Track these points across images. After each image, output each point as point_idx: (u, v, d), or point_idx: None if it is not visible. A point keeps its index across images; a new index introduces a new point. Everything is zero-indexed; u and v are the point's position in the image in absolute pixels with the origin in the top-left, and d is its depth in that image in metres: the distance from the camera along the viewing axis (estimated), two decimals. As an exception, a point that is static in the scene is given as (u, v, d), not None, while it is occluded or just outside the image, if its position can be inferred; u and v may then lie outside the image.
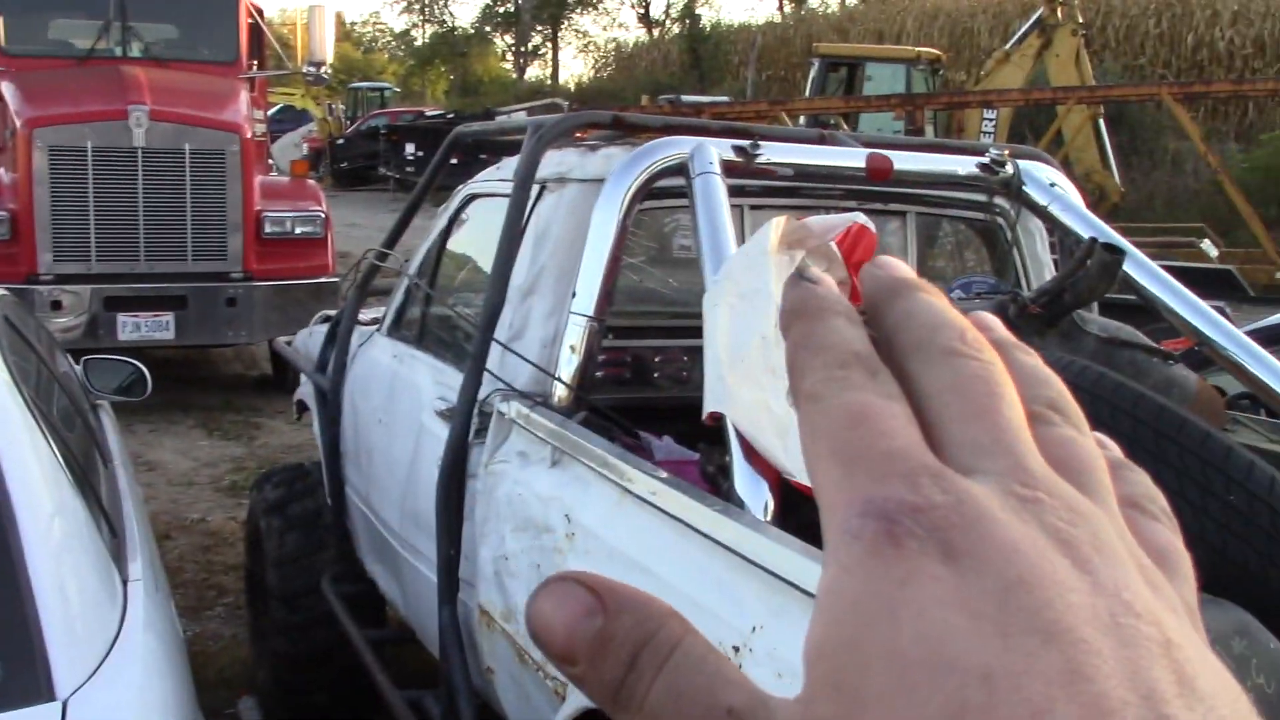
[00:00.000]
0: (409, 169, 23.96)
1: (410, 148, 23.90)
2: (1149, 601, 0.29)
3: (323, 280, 8.36)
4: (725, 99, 20.43)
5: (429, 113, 29.12)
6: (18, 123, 7.69)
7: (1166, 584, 0.31)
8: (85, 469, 2.84)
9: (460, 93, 44.94)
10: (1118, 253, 2.40)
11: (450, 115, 26.87)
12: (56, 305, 7.41)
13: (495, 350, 2.69)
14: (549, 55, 48.74)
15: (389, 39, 57.13)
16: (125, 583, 2.45)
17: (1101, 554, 0.29)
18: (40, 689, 1.97)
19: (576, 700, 2.18)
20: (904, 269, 0.36)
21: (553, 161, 2.85)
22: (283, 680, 3.96)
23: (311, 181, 9.02)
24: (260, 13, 9.77)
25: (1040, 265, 3.19)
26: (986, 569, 0.28)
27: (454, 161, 3.64)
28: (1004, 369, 0.33)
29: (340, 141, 27.92)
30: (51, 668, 2.01)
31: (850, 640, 0.28)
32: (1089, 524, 0.30)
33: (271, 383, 8.95)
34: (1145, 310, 2.78)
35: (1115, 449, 0.35)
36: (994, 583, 0.28)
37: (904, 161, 2.84)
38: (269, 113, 11.28)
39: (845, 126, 13.85)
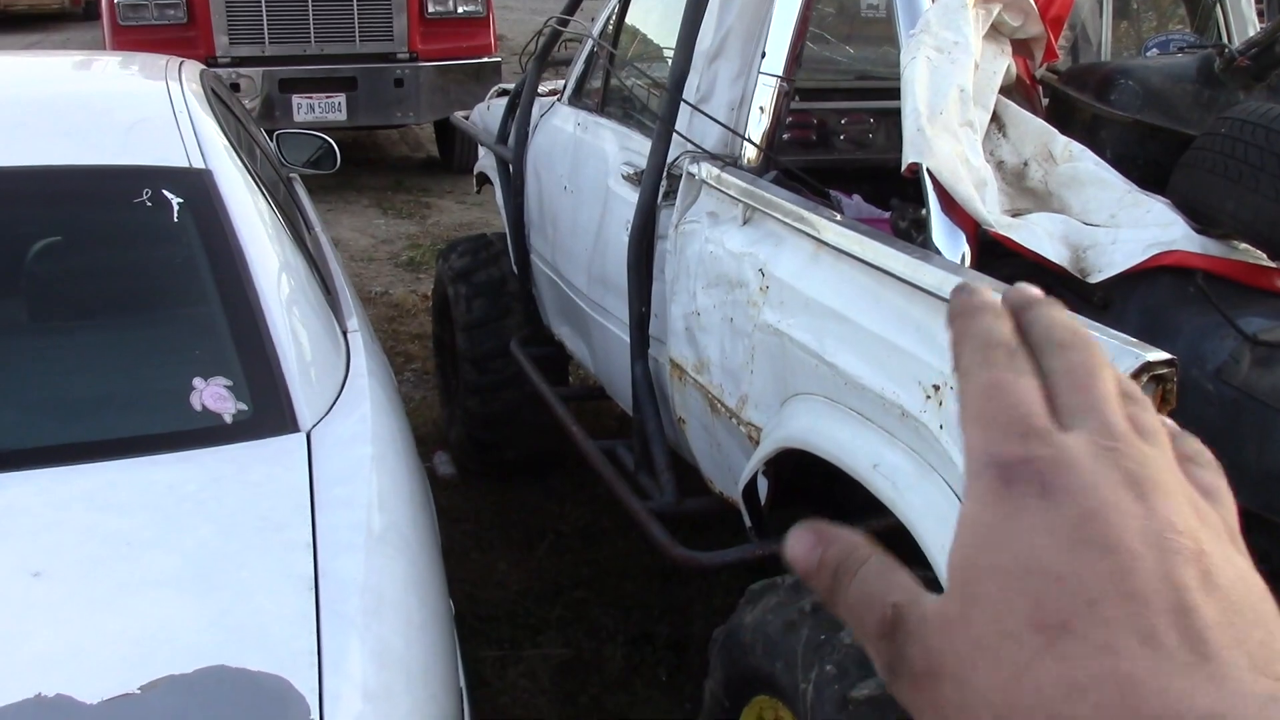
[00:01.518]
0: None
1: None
2: (1191, 523, 0.38)
3: (485, 60, 8.40)
4: None
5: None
6: (187, -96, 7.79)
7: (1212, 512, 0.40)
8: (296, 230, 3.02)
9: None
10: (1336, 0, 2.30)
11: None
12: (235, 87, 7.64)
13: (683, 113, 2.73)
14: None
15: None
16: (345, 334, 2.64)
17: (1158, 489, 0.38)
18: (286, 422, 2.18)
19: (769, 446, 2.31)
20: (1034, 291, 0.45)
21: (738, -80, 2.81)
22: (475, 437, 4.22)
23: (472, -40, 8.96)
24: None
25: (1244, 22, 3.06)
26: (1070, 502, 0.37)
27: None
28: (1104, 358, 0.43)
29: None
30: (295, 403, 2.21)
31: (972, 556, 0.39)
32: (1152, 467, 0.39)
33: (438, 163, 9.15)
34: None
35: (1175, 427, 0.44)
36: (1074, 512, 0.37)
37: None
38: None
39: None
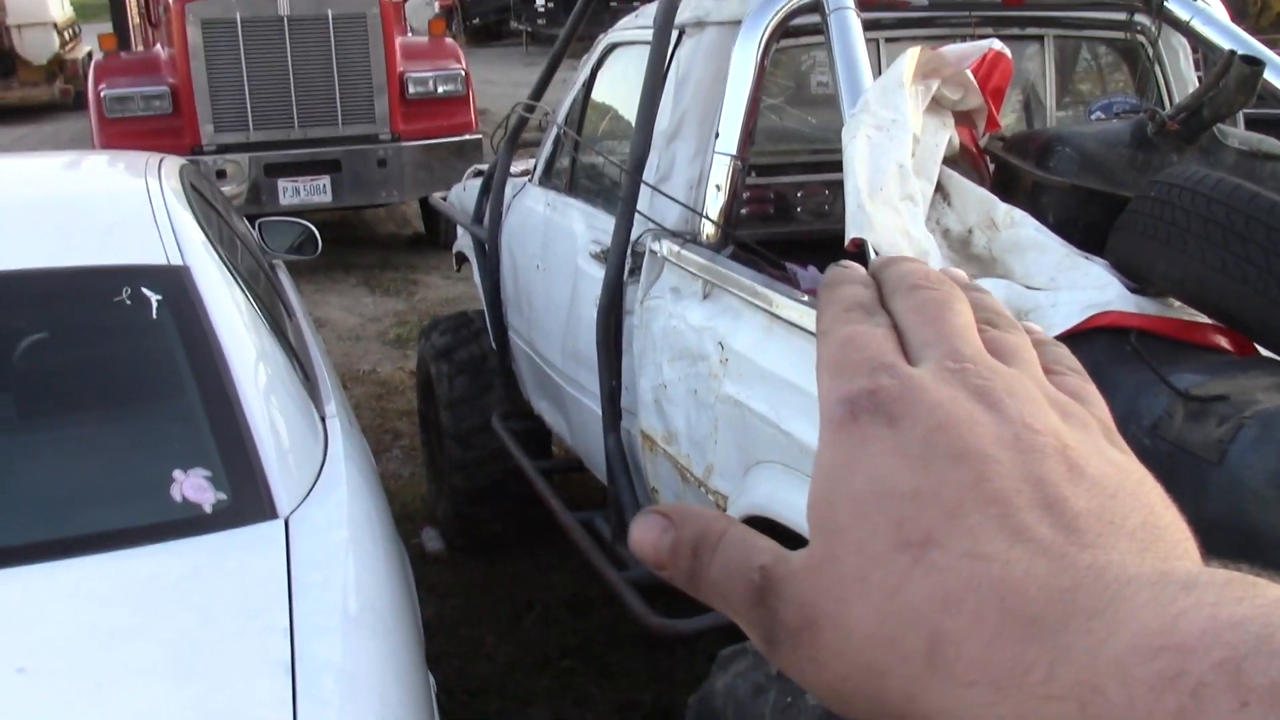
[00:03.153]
0: (540, 22, 23.86)
1: (541, 0, 23.75)
2: (1051, 422, 0.38)
3: (466, 138, 8.56)
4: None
5: (557, -38, 28.74)
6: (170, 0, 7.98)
7: (1080, 410, 0.40)
8: (276, 319, 3.10)
9: (586, -62, 44.00)
10: (1257, 64, 2.40)
11: (578, -37, 26.51)
12: (221, 174, 7.78)
13: (644, 193, 2.83)
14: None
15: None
16: (323, 419, 2.71)
17: (1011, 395, 0.38)
18: (264, 510, 2.24)
19: (734, 514, 2.38)
20: (899, 255, 0.47)
21: (690, 6, 2.93)
22: (461, 512, 4.28)
23: (450, 40, 9.15)
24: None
25: (1184, 82, 3.16)
26: (915, 423, 0.37)
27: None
28: (958, 295, 0.43)
29: (471, -2, 27.88)
30: (273, 491, 2.27)
31: (827, 493, 0.38)
32: (1003, 378, 0.39)
33: (425, 240, 9.28)
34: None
35: (1040, 333, 0.45)
36: (920, 430, 0.37)
37: (1040, -16, 2.85)
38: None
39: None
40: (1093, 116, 3.13)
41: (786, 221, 3.12)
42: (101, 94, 7.92)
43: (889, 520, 0.36)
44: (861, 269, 0.45)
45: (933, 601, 0.34)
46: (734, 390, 2.37)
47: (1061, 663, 0.31)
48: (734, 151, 2.69)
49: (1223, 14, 2.93)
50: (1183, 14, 2.89)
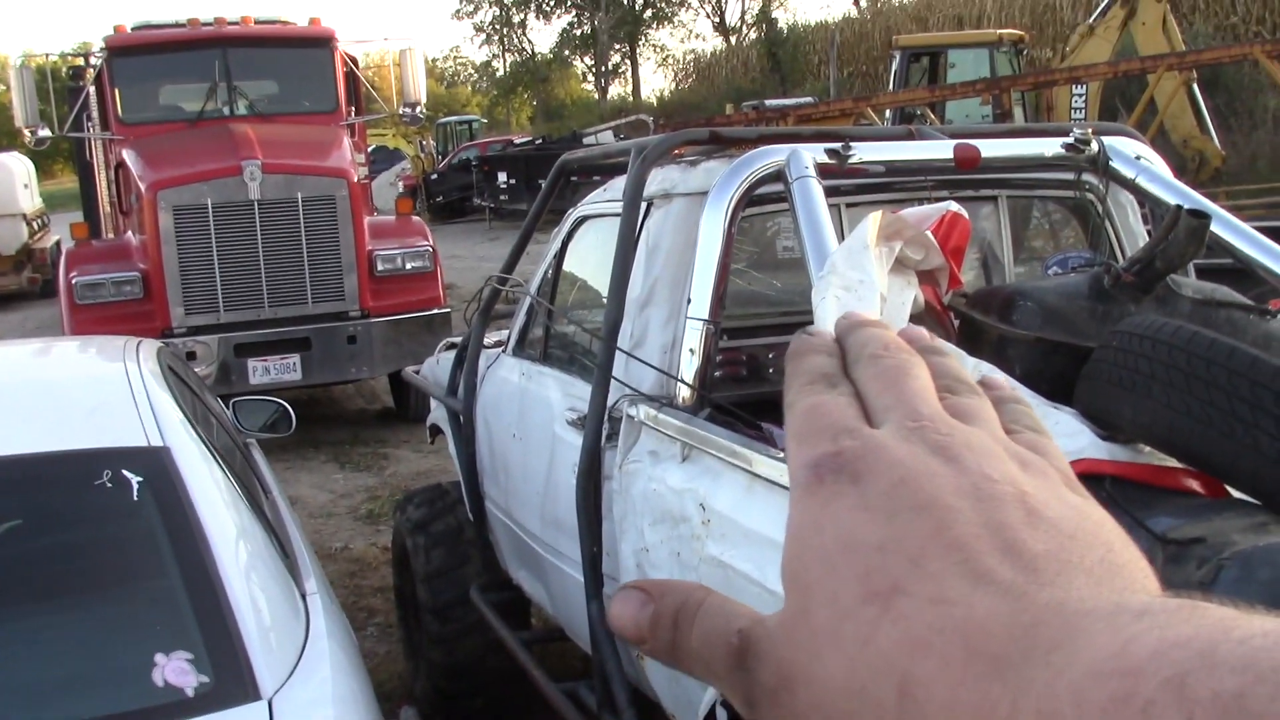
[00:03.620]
0: (503, 197, 24.43)
1: (503, 176, 24.36)
2: (1009, 471, 0.39)
3: (435, 312, 8.68)
4: (810, 100, 20.47)
5: (517, 140, 29.61)
6: (142, 187, 8.14)
7: (1038, 460, 0.41)
8: (253, 497, 3.10)
9: (544, 118, 45.52)
10: (1204, 217, 2.51)
11: (539, 141, 27.33)
12: (191, 355, 7.82)
13: (619, 359, 2.89)
14: (629, 73, 49.13)
15: (470, 72, 58.14)
16: (304, 597, 2.69)
17: (970, 449, 0.39)
18: (248, 691, 2.21)
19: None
20: (862, 317, 0.48)
21: (657, 179, 3.04)
22: (440, 688, 4.20)
23: (417, 218, 9.36)
24: (355, 62, 10.18)
25: (1134, 236, 3.29)
26: (879, 479, 0.38)
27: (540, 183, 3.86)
28: (916, 362, 0.44)
29: (434, 176, 28.58)
30: (255, 672, 2.24)
31: (797, 552, 0.39)
32: (961, 433, 0.40)
33: (394, 414, 9.30)
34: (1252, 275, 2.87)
35: (1003, 388, 0.47)
36: (884, 485, 0.38)
37: (991, 149, 2.98)
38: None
39: (932, 116, 13.85)
40: (1049, 271, 3.24)
41: (759, 382, 3.18)
42: (73, 281, 8.00)
43: (856, 573, 0.37)
44: (827, 335, 0.47)
45: (901, 648, 0.35)
46: (717, 551, 2.38)
47: (1023, 696, 0.32)
48: (706, 316, 2.76)
49: (1166, 171, 3.07)
50: (1128, 172, 3.03)
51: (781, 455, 2.27)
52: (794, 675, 0.37)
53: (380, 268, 8.47)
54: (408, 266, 8.59)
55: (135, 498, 2.54)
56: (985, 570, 0.35)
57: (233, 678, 2.23)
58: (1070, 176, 3.24)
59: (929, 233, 2.70)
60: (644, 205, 3.02)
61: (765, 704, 0.38)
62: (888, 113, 14.83)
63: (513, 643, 3.54)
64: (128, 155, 8.68)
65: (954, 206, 2.76)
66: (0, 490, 2.57)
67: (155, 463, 2.61)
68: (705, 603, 0.41)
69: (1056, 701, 0.32)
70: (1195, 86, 14.19)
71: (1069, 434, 2.20)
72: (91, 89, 9.71)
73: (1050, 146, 3.10)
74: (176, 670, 2.23)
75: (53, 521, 2.64)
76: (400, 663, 4.77)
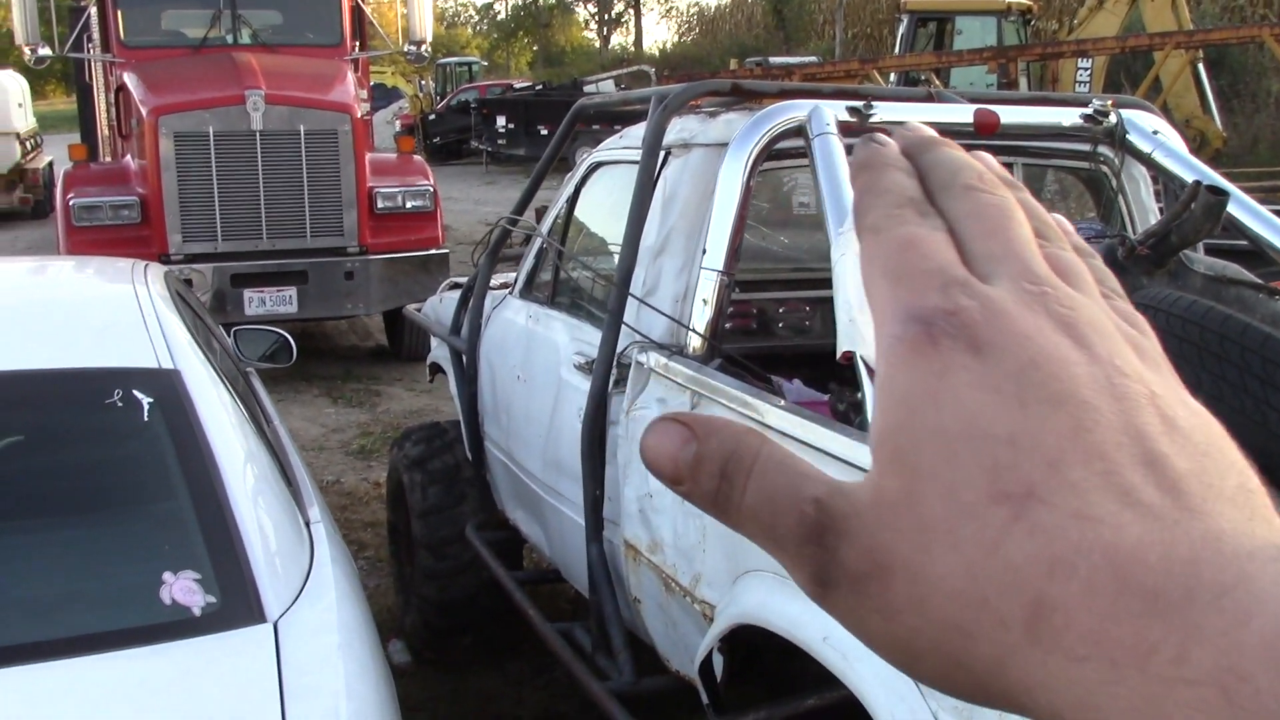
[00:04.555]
0: (500, 142, 24.31)
1: (501, 120, 24.22)
2: (1135, 364, 0.35)
3: (433, 252, 8.66)
4: (814, 59, 20.35)
5: (517, 85, 29.42)
6: (143, 111, 8.07)
7: (1148, 345, 0.37)
8: (258, 423, 3.11)
9: (544, 63, 45.20)
10: (1221, 194, 2.53)
11: (539, 87, 27.17)
12: (187, 283, 7.78)
13: (630, 306, 2.90)
14: (631, 22, 48.75)
15: (472, 14, 57.64)
16: (308, 524, 2.71)
17: (1096, 331, 0.35)
18: (254, 613, 2.24)
19: (723, 623, 2.40)
20: (932, 132, 0.42)
21: (676, 128, 3.04)
22: (431, 624, 4.24)
23: (418, 157, 9.31)
24: (360, -5, 10.09)
25: (1145, 211, 3.31)
26: (1005, 355, 0.34)
27: (543, 131, 3.84)
28: (1013, 199, 0.40)
29: (432, 117, 28.39)
30: (261, 595, 2.27)
31: (904, 424, 0.34)
32: (1084, 308, 0.36)
33: (387, 352, 9.31)
34: (1258, 256, 2.89)
35: (1079, 241, 0.41)
36: (1012, 365, 0.33)
37: (1010, 115, 2.99)
38: (368, 92, 11.59)
39: (937, 82, 13.80)
40: (1060, 241, 3.26)
41: (768, 336, 3.20)
42: (71, 203, 7.95)
43: (983, 466, 0.32)
44: (894, 145, 0.41)
45: (1038, 564, 0.31)
46: (724, 499, 2.41)
47: (1194, 644, 0.29)
48: (721, 267, 2.77)
49: (1182, 146, 3.08)
50: (1144, 146, 3.04)
51: (796, 410, 2.30)
52: (891, 565, 0.33)
53: (380, 205, 8.43)
54: (408, 205, 8.56)
55: (145, 418, 2.55)
56: (1130, 487, 0.32)
57: (239, 599, 2.26)
58: (1086, 148, 3.26)
59: (947, 195, 2.72)
60: (662, 154, 3.03)
61: (846, 588, 0.34)
62: (892, 76, 14.77)
63: (507, 581, 3.57)
64: (129, 79, 8.60)
65: (972, 171, 2.77)
66: (12, 405, 2.58)
67: (166, 384, 2.61)
68: (761, 454, 0.36)
69: (1243, 658, 0.28)
70: (1201, 66, 14.17)
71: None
72: (93, 9, 9.60)
73: (1069, 116, 3.11)
74: (184, 589, 2.25)
75: (63, 438, 2.65)
76: (390, 597, 4.81)
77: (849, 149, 2.73)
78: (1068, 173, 3.49)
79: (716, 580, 2.47)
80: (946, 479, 0.33)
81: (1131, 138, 3.08)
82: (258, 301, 8.04)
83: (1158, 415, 0.33)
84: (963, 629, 0.32)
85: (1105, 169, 3.30)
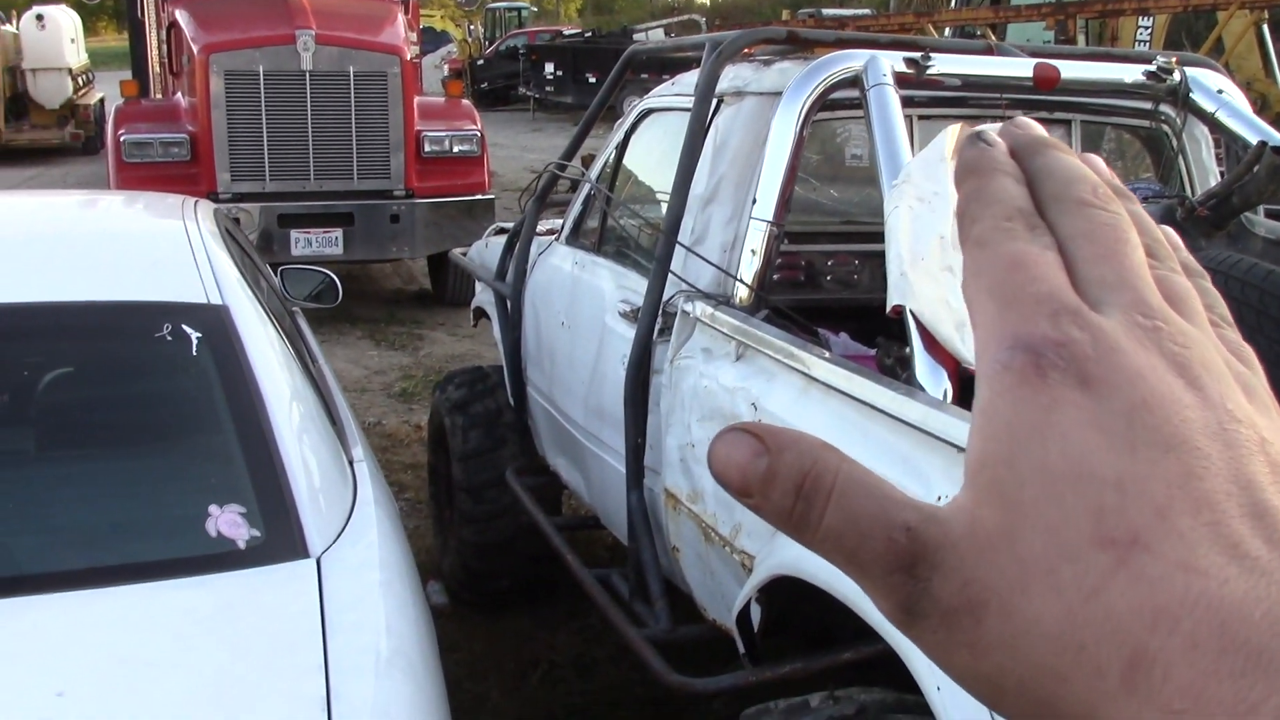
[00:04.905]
0: (549, 89, 24.21)
1: (550, 67, 24.10)
2: (1246, 408, 0.34)
3: (479, 197, 8.65)
4: (867, 12, 20.07)
5: (566, 32, 29.24)
6: (194, 48, 8.09)
7: (1257, 384, 0.36)
8: (304, 362, 3.13)
9: (594, 10, 44.86)
10: (1287, 156, 2.47)
11: (588, 34, 26.99)
12: (235, 222, 7.82)
13: (677, 254, 2.88)
14: (684, -30, 48.20)
15: (523, -42, 57.13)
16: (352, 463, 2.73)
17: (1208, 371, 0.34)
18: (297, 549, 2.26)
19: (762, 573, 2.39)
20: (1040, 129, 0.40)
21: (729, 76, 3.00)
22: (469, 567, 4.28)
23: (466, 102, 9.29)
24: (414, -64, 10.02)
25: (1205, 171, 3.24)
26: (1116, 394, 0.33)
27: (591, 79, 3.81)
28: (1128, 218, 0.37)
29: (480, 62, 28.28)
30: (305, 531, 2.29)
31: (1007, 457, 0.33)
32: (1197, 346, 0.35)
33: (430, 296, 9.34)
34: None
35: (1192, 263, 0.39)
36: (1123, 405, 0.33)
37: (1071, 70, 2.93)
38: (418, 35, 11.55)
39: (993, 38, 13.58)
40: (1116, 201, 3.20)
41: (815, 289, 3.17)
42: (121, 139, 8.00)
43: (1088, 508, 0.32)
44: (1003, 147, 0.39)
45: (1140, 615, 0.30)
46: (766, 451, 2.40)
47: None
48: (770, 218, 2.74)
49: (1247, 107, 3.01)
50: (1208, 105, 2.97)
51: (844, 363, 2.28)
52: (986, 602, 0.32)
53: (427, 149, 8.43)
54: (455, 149, 8.54)
55: (194, 353, 2.57)
56: (1238, 539, 0.31)
57: (283, 534, 2.28)
58: (1148, 106, 3.19)
59: (1004, 150, 2.68)
60: (714, 101, 2.99)
61: (935, 621, 0.33)
62: (946, 31, 14.55)
63: (546, 526, 3.59)
64: (181, 16, 8.61)
65: (1031, 126, 2.72)
66: (63, 335, 2.61)
67: (214, 320, 2.63)
68: (841, 473, 0.34)
69: None
70: (1265, 28, 13.82)
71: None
72: (146, -55, 9.61)
73: (1131, 73, 3.04)
74: (229, 522, 2.27)
75: (112, 370, 2.68)
76: (428, 539, 4.85)
77: (905, 100, 2.70)
78: (1127, 131, 3.42)
79: (756, 531, 2.46)
80: (1049, 518, 0.32)
81: (1195, 96, 3.01)
82: (304, 242, 8.08)
83: (1268, 464, 0.33)
84: (1056, 672, 0.32)
85: (1166, 128, 3.23)
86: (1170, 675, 0.30)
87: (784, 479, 0.34)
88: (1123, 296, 0.35)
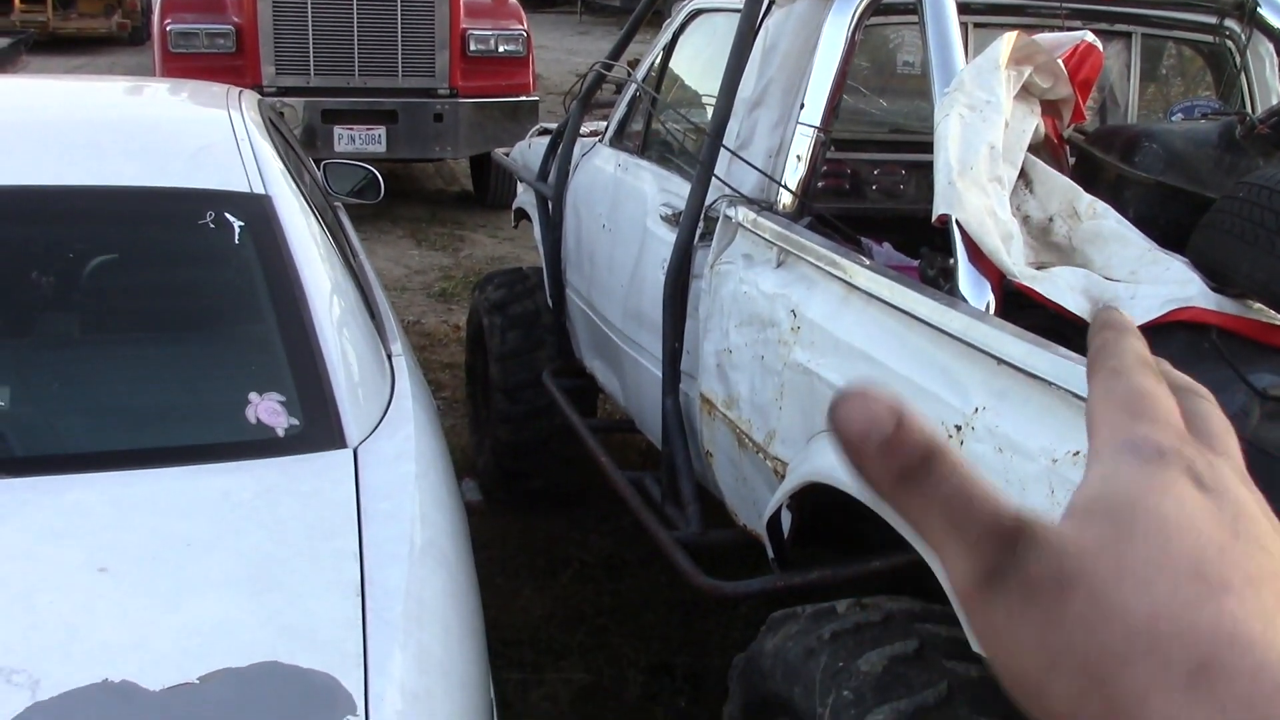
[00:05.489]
0: (597, -10, 23.83)
1: (598, -32, 23.70)
2: (1270, 531, 0.40)
3: (523, 99, 8.58)
4: (925, -81, 19.49)
5: (616, -68, 28.66)
6: (240, -61, 8.01)
7: (1267, 507, 0.42)
8: (345, 255, 3.14)
9: (646, -88, 43.82)
10: (1355, 74, 2.40)
11: (639, -65, 26.43)
12: (279, 115, 7.81)
13: (722, 158, 2.85)
14: (739, -128, 47.03)
15: None
16: (390, 357, 2.75)
17: (1265, 539, 0.39)
18: (335, 438, 2.28)
19: (794, 480, 2.40)
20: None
21: (782, -24, 2.94)
22: (503, 465, 4.32)
23: (513, 1, 9.16)
24: None
25: (1268, 90, 3.15)
26: (1225, 498, 0.38)
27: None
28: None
29: (528, -38, 27.84)
30: (343, 421, 2.31)
31: (1125, 498, 0.38)
32: (1249, 491, 0.41)
33: (472, 198, 9.31)
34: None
35: (1204, 396, 0.46)
36: (1230, 506, 0.38)
37: (1134, -20, 2.85)
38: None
39: (1054, -51, 13.18)
40: (1173, 117, 3.13)
41: (859, 198, 3.13)
42: (168, 28, 7.96)
43: (1189, 553, 0.36)
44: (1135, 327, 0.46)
45: (1219, 635, 0.34)
46: (804, 358, 2.39)
47: None
48: (818, 124, 2.70)
49: (1316, 23, 2.92)
50: (1276, 21, 2.88)
51: (887, 271, 2.25)
52: (1077, 582, 0.36)
53: (473, 48, 8.34)
54: (500, 49, 8.45)
55: (236, 241, 2.58)
56: None
57: (321, 424, 2.30)
58: (1212, 20, 3.10)
59: (1060, 61, 2.61)
60: (765, 3, 2.93)
61: (1016, 592, 0.36)
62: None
63: (581, 428, 3.60)
64: (229, -95, 8.51)
65: (1089, 37, 2.65)
66: (108, 220, 2.62)
67: (257, 209, 2.63)
68: (961, 459, 0.38)
69: None
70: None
71: (1179, 281, 2.16)
72: None
73: (1197, -15, 2.95)
74: (269, 410, 2.30)
75: (155, 255, 2.70)
76: (464, 437, 4.90)
77: (961, 7, 2.63)
78: (1189, 45, 3.33)
79: (790, 438, 2.46)
80: (1154, 545, 0.36)
81: (1263, 11, 2.92)
82: (347, 139, 8.05)
83: None
84: (1124, 658, 0.35)
85: (1230, 43, 3.14)
86: (1233, 687, 0.34)
87: (910, 446, 0.37)
88: (1226, 462, 0.41)
